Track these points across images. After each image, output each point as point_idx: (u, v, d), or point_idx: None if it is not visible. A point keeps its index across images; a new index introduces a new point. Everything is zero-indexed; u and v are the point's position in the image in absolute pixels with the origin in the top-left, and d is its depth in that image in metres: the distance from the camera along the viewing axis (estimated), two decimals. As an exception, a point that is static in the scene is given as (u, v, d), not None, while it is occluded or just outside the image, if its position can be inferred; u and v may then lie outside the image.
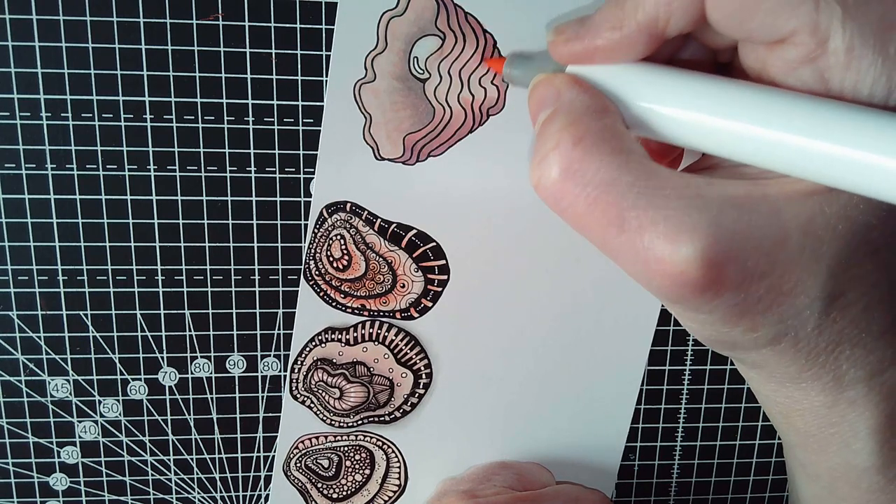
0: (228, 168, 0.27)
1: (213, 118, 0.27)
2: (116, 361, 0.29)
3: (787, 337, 0.20)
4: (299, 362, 0.30)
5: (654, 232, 0.18)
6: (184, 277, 0.28)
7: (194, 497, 0.31)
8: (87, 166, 0.27)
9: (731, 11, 0.19)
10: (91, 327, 0.29)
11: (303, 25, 0.26)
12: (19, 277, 0.28)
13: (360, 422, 0.31)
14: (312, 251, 0.28)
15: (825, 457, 0.23)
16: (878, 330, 0.21)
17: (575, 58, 0.21)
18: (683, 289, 0.19)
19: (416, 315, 0.30)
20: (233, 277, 0.29)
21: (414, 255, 0.29)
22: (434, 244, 0.29)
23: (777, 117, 0.18)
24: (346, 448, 0.31)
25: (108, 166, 0.27)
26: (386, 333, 0.30)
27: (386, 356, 0.30)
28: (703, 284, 0.18)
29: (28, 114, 0.26)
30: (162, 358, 0.29)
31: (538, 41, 0.26)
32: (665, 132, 0.20)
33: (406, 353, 0.30)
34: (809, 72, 0.18)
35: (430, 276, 0.29)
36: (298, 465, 0.31)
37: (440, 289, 0.29)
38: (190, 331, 0.29)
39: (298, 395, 0.30)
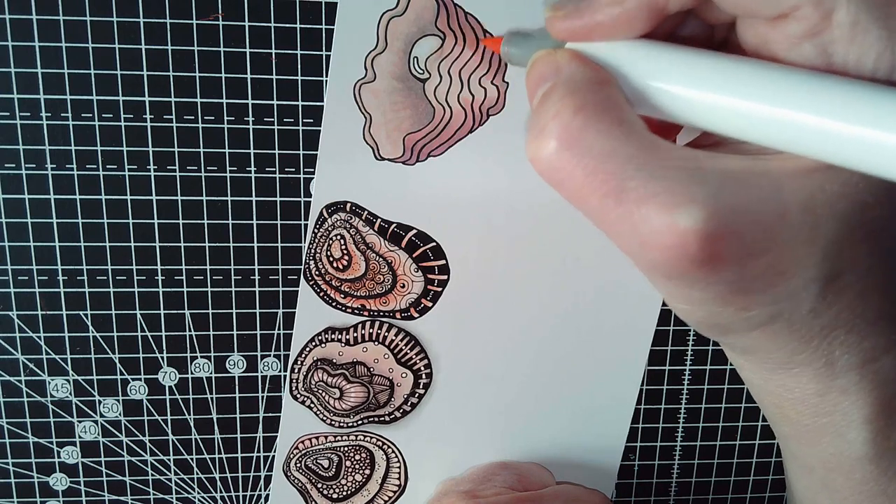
0: (228, 168, 0.27)
1: (213, 118, 0.27)
2: (116, 361, 0.29)
3: (780, 318, 0.20)
4: (299, 362, 0.30)
5: (653, 203, 0.18)
6: (184, 277, 0.28)
7: (194, 497, 0.31)
8: (87, 166, 0.27)
9: None
10: (91, 327, 0.29)
11: (303, 25, 0.26)
12: (19, 277, 0.28)
13: (360, 422, 0.31)
14: (312, 251, 0.28)
15: (818, 447, 0.23)
16: (872, 316, 0.20)
17: (573, 34, 0.21)
18: (681, 263, 0.18)
19: (416, 315, 0.30)
20: (233, 277, 0.29)
21: (414, 255, 0.29)
22: (434, 244, 0.29)
23: (780, 94, 0.18)
24: (346, 448, 0.31)
25: (108, 166, 0.27)
26: (386, 333, 0.30)
27: (386, 356, 0.30)
28: (702, 258, 0.18)
29: (28, 114, 0.26)
30: (162, 358, 0.29)
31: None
32: (666, 109, 0.20)
33: (406, 353, 0.30)
34: (812, 46, 0.18)
35: (430, 276, 0.29)
36: (298, 465, 0.31)
37: (440, 289, 0.29)
38: (190, 331, 0.29)
39: (298, 395, 0.30)
